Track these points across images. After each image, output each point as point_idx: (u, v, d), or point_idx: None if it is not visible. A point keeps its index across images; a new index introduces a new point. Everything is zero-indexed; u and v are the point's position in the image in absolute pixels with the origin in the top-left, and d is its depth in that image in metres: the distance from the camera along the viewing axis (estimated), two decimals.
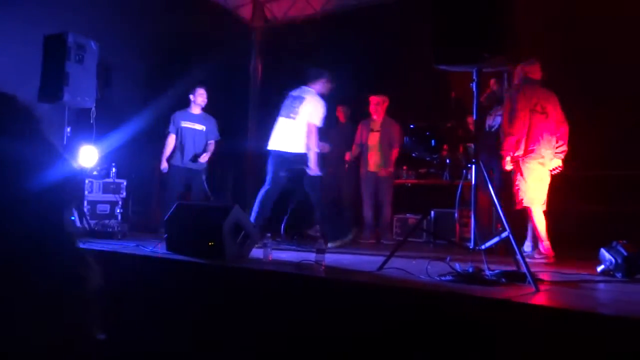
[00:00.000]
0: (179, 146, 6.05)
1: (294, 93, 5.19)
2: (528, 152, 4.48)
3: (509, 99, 4.62)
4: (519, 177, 4.54)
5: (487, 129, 5.14)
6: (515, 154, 4.50)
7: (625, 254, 3.33)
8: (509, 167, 4.57)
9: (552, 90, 4.63)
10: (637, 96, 5.27)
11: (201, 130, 6.12)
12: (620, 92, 5.54)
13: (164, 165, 6.04)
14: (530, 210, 4.47)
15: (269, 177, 5.05)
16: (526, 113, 4.47)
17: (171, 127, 6.07)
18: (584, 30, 5.80)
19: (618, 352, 2.05)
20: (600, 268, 3.47)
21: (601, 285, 3.14)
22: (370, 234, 6.12)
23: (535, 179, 4.49)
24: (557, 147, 4.59)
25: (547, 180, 4.55)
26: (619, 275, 3.34)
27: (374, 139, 6.10)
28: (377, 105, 6.08)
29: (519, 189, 4.52)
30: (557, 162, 4.58)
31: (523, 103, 4.48)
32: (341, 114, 6.87)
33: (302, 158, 4.98)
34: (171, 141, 6.05)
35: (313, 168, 4.97)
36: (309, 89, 5.16)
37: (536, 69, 4.60)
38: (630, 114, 5.34)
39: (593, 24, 5.76)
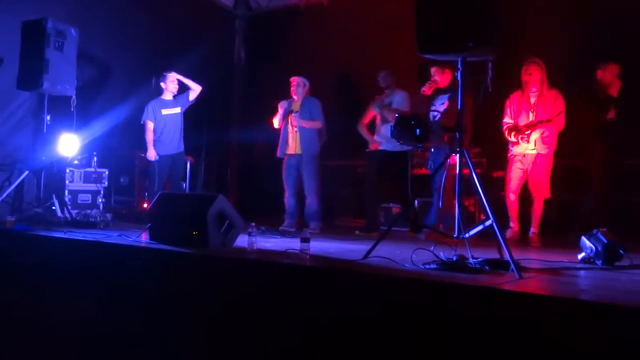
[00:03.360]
0: (161, 134, 6.04)
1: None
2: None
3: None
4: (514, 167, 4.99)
5: (432, 119, 5.00)
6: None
7: (605, 241, 3.39)
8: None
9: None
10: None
11: (178, 113, 6.17)
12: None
13: (154, 153, 6.00)
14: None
15: None
16: None
17: (149, 116, 6.02)
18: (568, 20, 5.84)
19: (599, 337, 2.09)
20: (581, 256, 3.52)
21: (582, 273, 3.19)
22: (293, 221, 5.84)
23: None
24: None
25: None
26: (599, 262, 3.39)
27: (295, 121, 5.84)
28: (297, 86, 5.90)
29: (511, 178, 4.98)
30: None
31: None
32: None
33: None
34: (152, 128, 6.03)
35: None
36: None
37: None
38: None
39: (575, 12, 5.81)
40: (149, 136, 6.01)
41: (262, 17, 8.72)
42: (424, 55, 3.28)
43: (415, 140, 3.37)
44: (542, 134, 4.82)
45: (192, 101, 6.20)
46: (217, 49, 8.17)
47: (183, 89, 6.23)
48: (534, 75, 4.84)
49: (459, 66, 3.19)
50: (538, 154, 4.86)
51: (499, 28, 3.07)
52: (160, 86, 6.13)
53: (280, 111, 5.96)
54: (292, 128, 5.87)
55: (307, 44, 7.61)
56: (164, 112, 6.06)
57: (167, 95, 6.14)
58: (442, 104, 5.04)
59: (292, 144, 5.86)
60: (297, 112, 5.83)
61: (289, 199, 5.87)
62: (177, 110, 6.14)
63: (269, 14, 8.63)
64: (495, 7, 3.05)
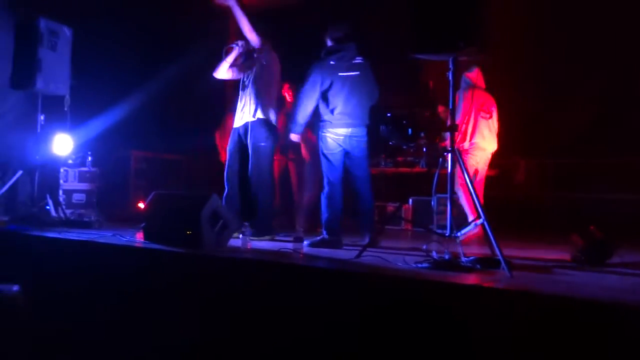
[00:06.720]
0: None
1: None
2: (472, 144, 5.07)
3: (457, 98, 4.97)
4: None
5: None
6: (461, 145, 5.04)
7: (595, 240, 3.42)
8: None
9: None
10: (605, 86, 5.38)
11: None
12: (585, 82, 5.66)
13: None
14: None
15: None
16: (472, 113, 5.08)
17: None
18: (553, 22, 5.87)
19: (587, 334, 2.12)
20: (571, 254, 3.55)
21: (571, 271, 3.22)
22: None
23: (470, 167, 5.02)
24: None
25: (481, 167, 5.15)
26: (588, 261, 3.42)
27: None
28: (289, 89, 5.91)
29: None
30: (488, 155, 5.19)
31: (469, 104, 5.09)
32: (289, 92, 6.19)
33: None
34: None
35: None
36: None
37: (479, 76, 5.17)
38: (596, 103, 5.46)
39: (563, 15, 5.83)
40: None
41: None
42: (416, 56, 3.30)
43: (407, 140, 3.39)
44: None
45: None
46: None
47: None
48: None
49: (450, 66, 3.21)
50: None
51: (488, 29, 3.09)
52: None
53: None
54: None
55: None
56: None
57: None
58: None
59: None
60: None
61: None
62: None
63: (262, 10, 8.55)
64: (485, 9, 3.08)
